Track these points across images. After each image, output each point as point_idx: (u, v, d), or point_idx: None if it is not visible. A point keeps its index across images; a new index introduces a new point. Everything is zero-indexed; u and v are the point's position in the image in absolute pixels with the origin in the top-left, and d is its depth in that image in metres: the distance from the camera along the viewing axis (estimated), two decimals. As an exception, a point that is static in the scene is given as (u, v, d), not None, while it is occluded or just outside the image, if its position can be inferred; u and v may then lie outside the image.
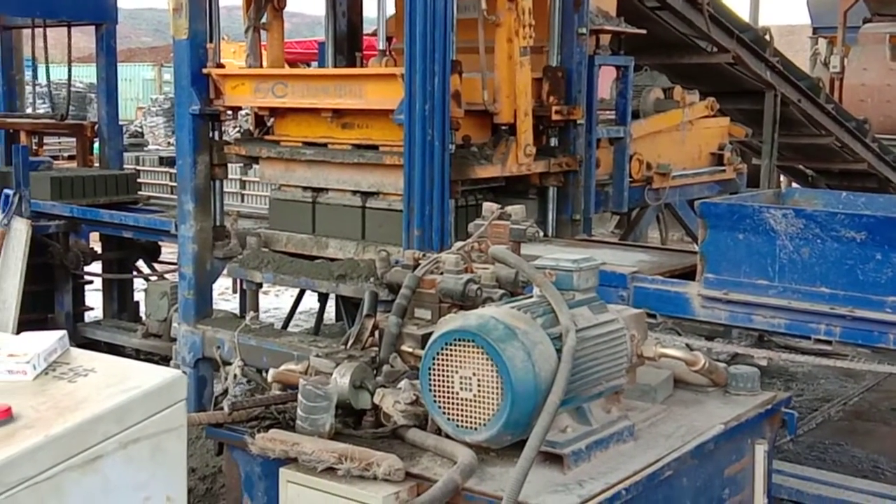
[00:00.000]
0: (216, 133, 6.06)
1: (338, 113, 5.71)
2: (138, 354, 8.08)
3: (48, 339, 2.17)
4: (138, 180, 11.54)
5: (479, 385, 2.82)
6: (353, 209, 5.80)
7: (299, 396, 3.09)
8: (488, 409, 2.81)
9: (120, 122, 8.86)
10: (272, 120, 6.20)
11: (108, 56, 8.42)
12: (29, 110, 10.87)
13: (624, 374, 3.21)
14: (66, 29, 8.60)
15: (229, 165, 6.28)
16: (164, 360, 6.59)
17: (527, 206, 4.39)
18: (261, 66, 6.23)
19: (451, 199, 5.27)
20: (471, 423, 2.85)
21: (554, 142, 6.16)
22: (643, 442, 3.14)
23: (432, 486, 2.76)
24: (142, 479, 1.91)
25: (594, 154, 6.36)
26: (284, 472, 2.93)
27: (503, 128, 5.75)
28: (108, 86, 8.41)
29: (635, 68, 6.91)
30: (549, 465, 2.89)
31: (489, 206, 3.90)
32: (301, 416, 3.07)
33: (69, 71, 8.77)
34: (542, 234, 5.88)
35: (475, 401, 2.83)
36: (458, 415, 2.87)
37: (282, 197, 6.14)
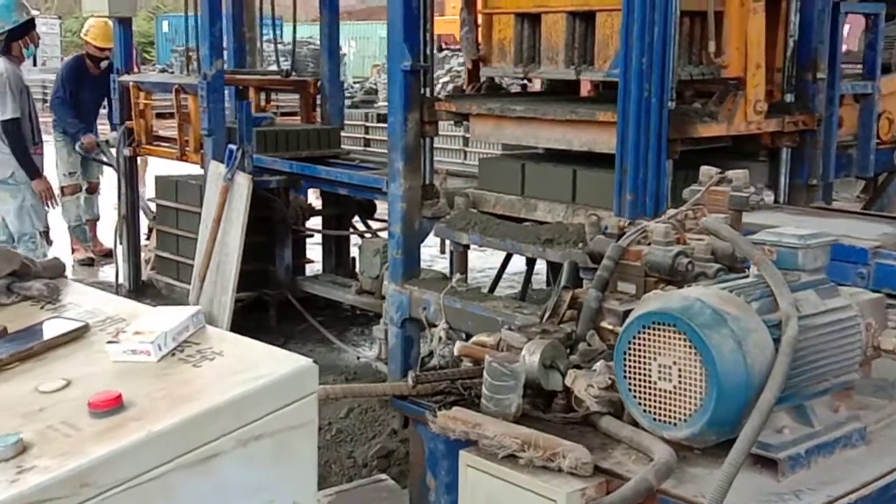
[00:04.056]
0: (427, 89, 5.93)
1: (552, -23, 5.29)
2: (353, 310, 8.22)
3: (179, 316, 2.00)
4: (367, 136, 11.75)
5: (680, 375, 2.50)
6: (563, 170, 5.51)
7: (485, 374, 2.87)
8: (690, 403, 2.48)
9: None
10: None
11: (330, 14, 8.47)
12: (270, 67, 11.20)
13: (856, 369, 2.78)
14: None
15: (454, 123, 6.18)
16: (377, 317, 6.61)
17: (756, 170, 3.95)
18: (475, 14, 6.02)
19: (668, 161, 4.87)
20: (669, 417, 2.53)
21: (789, 98, 5.59)
22: (876, 447, 2.71)
23: (623, 484, 2.47)
24: (264, 482, 1.70)
25: (836, 112, 5.73)
26: (464, 456, 2.73)
27: (731, 82, 5.26)
28: (331, 43, 8.49)
29: (887, 17, 6.18)
30: (761, 470, 2.53)
31: (706, 171, 3.51)
32: (486, 395, 2.85)
33: (294, 29, 8.92)
34: (770, 199, 5.39)
35: (675, 393, 2.51)
36: (655, 407, 2.55)
37: (490, 156, 5.93)
